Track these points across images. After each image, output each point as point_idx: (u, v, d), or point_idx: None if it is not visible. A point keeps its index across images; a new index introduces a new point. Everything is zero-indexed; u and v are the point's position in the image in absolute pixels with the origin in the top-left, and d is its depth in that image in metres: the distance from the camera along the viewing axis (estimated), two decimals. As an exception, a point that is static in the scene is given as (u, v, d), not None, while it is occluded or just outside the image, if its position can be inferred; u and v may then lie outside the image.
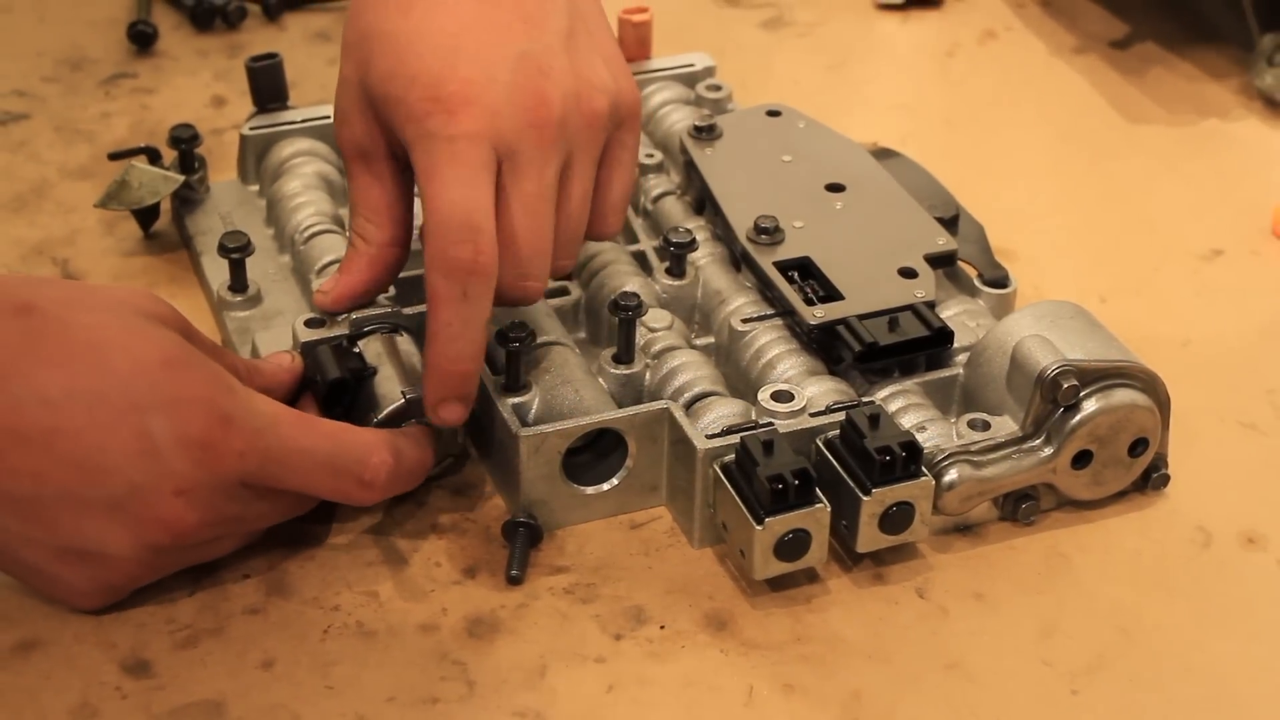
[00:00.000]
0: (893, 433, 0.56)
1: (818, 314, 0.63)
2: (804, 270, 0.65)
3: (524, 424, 0.59)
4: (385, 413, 0.59)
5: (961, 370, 0.62)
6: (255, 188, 0.74)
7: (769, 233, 0.66)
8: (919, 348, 0.62)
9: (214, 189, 0.74)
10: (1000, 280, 0.68)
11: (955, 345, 0.63)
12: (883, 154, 0.74)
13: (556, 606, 0.57)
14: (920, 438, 0.58)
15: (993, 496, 0.60)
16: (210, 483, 0.52)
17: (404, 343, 0.62)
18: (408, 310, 0.63)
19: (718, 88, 0.78)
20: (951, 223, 0.70)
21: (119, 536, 0.52)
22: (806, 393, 0.60)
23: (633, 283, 0.65)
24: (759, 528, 0.55)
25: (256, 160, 0.74)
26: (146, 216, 0.73)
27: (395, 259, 0.61)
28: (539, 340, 0.62)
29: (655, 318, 0.64)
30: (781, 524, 0.55)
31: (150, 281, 0.72)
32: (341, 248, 0.67)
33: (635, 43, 0.79)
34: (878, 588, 0.58)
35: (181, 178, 0.72)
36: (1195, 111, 0.86)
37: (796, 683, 0.54)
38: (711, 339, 0.66)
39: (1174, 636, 0.57)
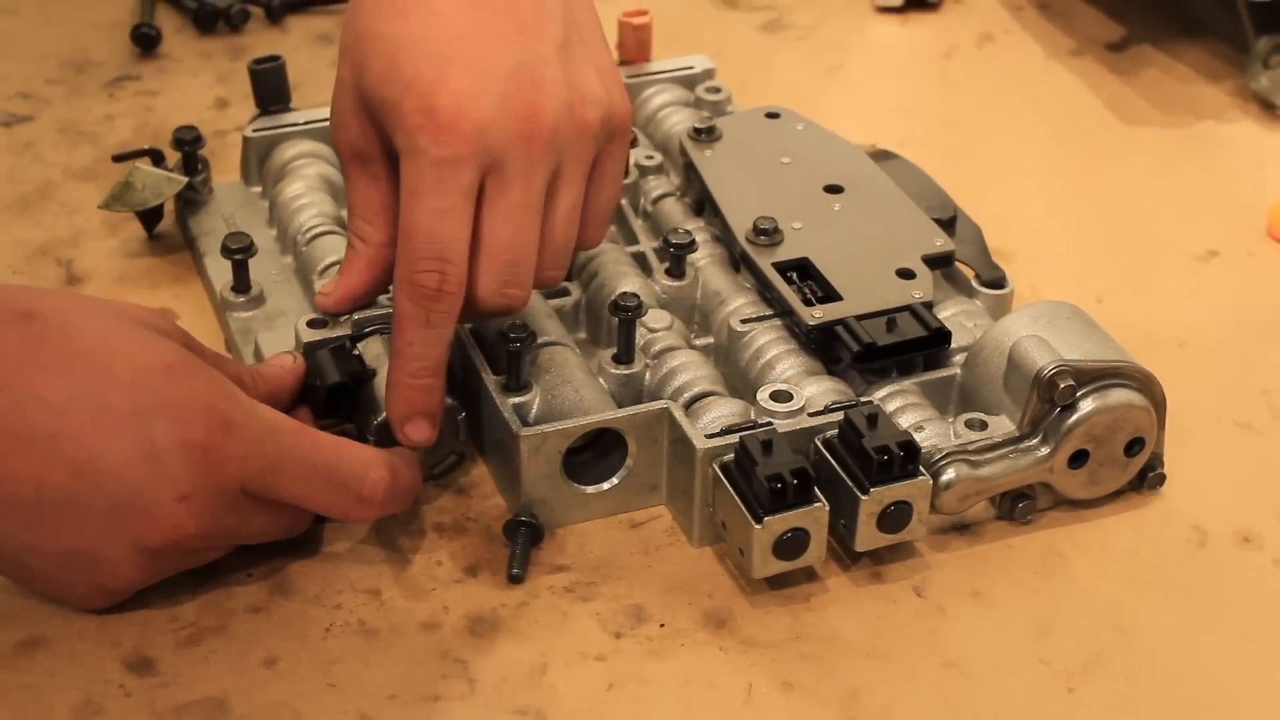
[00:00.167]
0: (891, 432, 0.57)
1: (816, 314, 0.63)
2: (803, 271, 0.66)
3: (525, 424, 0.59)
4: (384, 415, 0.59)
5: (959, 370, 0.62)
6: (258, 189, 0.75)
7: (768, 234, 0.67)
8: (917, 348, 0.62)
9: (217, 190, 0.75)
10: (997, 281, 0.68)
11: (953, 345, 0.63)
12: (881, 155, 0.75)
13: (557, 605, 0.57)
14: (918, 437, 0.58)
15: (990, 496, 0.60)
16: (211, 488, 0.53)
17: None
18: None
19: (717, 90, 0.79)
20: (949, 224, 0.70)
21: (119, 541, 0.53)
22: (805, 393, 0.60)
23: (633, 283, 0.66)
24: (758, 527, 0.55)
25: (259, 162, 0.74)
26: (150, 218, 0.74)
27: (394, 259, 0.61)
28: (539, 340, 0.62)
29: (655, 318, 0.64)
30: (780, 523, 0.55)
31: (153, 282, 0.72)
32: (343, 249, 0.67)
33: (635, 45, 0.80)
34: (876, 586, 0.58)
35: (185, 179, 0.72)
36: (1191, 113, 0.86)
37: (795, 680, 0.55)
38: (711, 339, 0.66)
39: (1170, 635, 0.57)
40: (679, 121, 0.77)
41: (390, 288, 0.63)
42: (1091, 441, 0.59)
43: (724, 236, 0.69)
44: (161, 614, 0.56)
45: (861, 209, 0.69)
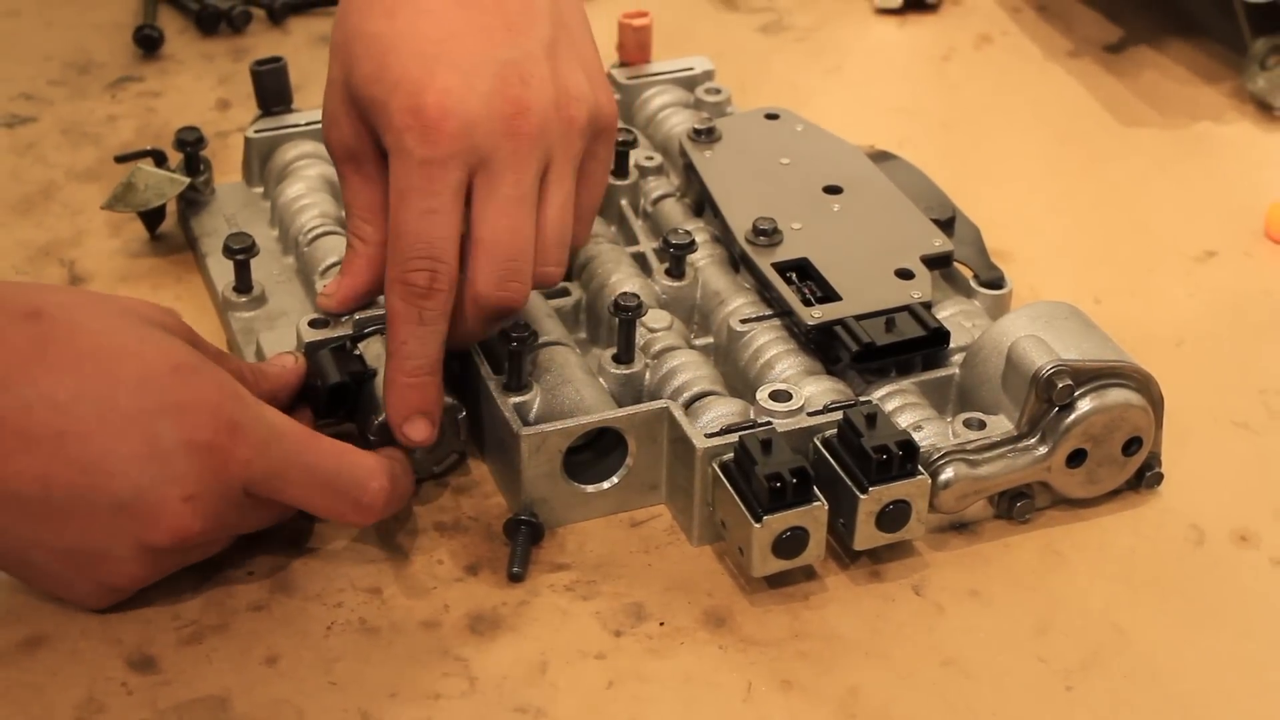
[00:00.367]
0: (889, 432, 0.57)
1: (815, 314, 0.63)
2: (802, 271, 0.66)
3: (525, 423, 0.59)
4: (385, 415, 0.59)
5: (957, 370, 0.63)
6: (260, 190, 0.75)
7: (767, 234, 0.67)
8: (915, 348, 0.62)
9: (219, 191, 0.75)
10: (996, 281, 0.68)
11: (951, 345, 0.63)
12: (880, 156, 0.75)
13: (557, 603, 0.57)
14: (917, 437, 0.59)
15: (988, 495, 0.60)
16: (216, 489, 0.53)
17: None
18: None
19: (717, 91, 0.79)
20: (948, 224, 0.70)
21: (124, 539, 0.53)
22: (804, 392, 0.61)
23: (633, 284, 0.66)
24: (757, 525, 0.55)
25: (261, 163, 0.75)
26: (152, 218, 0.74)
27: None
28: (540, 340, 0.62)
29: (655, 318, 0.65)
30: (780, 522, 0.55)
31: (155, 283, 0.72)
32: (344, 249, 0.67)
33: (635, 47, 0.80)
34: (875, 585, 0.59)
35: (187, 180, 0.73)
36: (1188, 114, 0.87)
37: (794, 679, 0.55)
38: (710, 339, 0.66)
39: (1167, 633, 0.57)
40: (679, 122, 0.77)
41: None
42: (1089, 441, 0.60)
43: (723, 237, 0.69)
44: (163, 612, 0.56)
45: (860, 210, 0.69)
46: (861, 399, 0.61)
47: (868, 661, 0.56)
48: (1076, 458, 0.60)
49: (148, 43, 0.88)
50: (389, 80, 0.56)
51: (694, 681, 0.55)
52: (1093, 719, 0.54)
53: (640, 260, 0.69)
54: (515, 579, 0.58)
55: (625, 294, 0.62)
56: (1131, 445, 0.61)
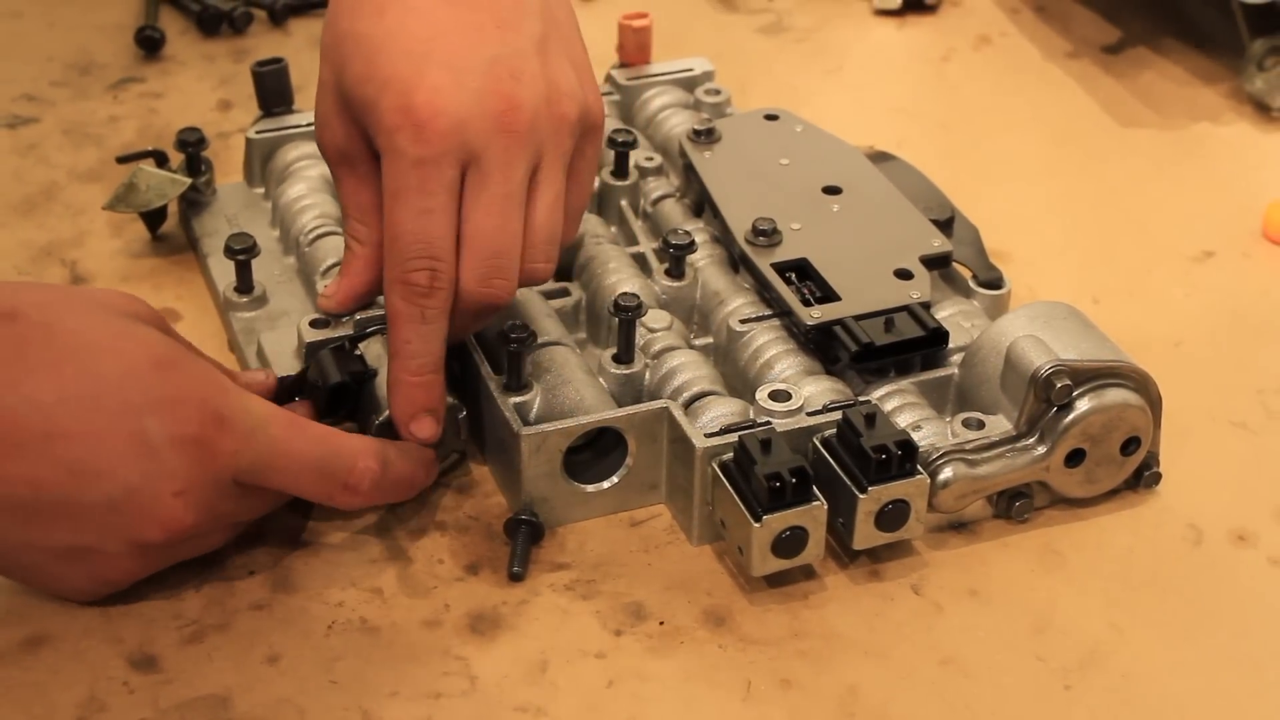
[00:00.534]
0: (889, 431, 0.57)
1: (815, 314, 0.63)
2: (801, 271, 0.66)
3: (525, 423, 0.59)
4: (385, 414, 0.59)
5: (956, 370, 0.63)
6: (261, 190, 0.75)
7: (767, 235, 0.67)
8: (914, 348, 0.63)
9: (220, 191, 0.75)
10: (994, 281, 0.68)
11: (950, 345, 0.63)
12: (879, 157, 0.75)
13: (557, 603, 0.57)
14: (916, 436, 0.59)
15: (987, 494, 0.60)
16: (206, 481, 0.53)
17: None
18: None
19: (717, 92, 0.79)
20: (947, 225, 0.70)
21: (116, 537, 0.53)
22: (804, 392, 0.61)
23: (632, 284, 0.66)
24: (757, 525, 0.55)
25: (262, 163, 0.75)
26: (154, 219, 0.74)
27: None
28: (540, 341, 0.63)
29: (655, 318, 0.65)
30: (779, 521, 0.56)
31: (157, 283, 0.72)
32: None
33: (635, 48, 0.80)
34: (874, 584, 0.59)
35: (188, 180, 0.73)
36: (1186, 115, 0.87)
37: (794, 678, 0.55)
38: (710, 339, 0.66)
39: (1165, 632, 0.57)
40: (679, 123, 0.77)
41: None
42: (1088, 440, 0.60)
43: (723, 237, 0.69)
44: (165, 611, 0.56)
45: (860, 210, 0.69)
46: (861, 399, 0.61)
47: (867, 660, 0.56)
48: (1075, 457, 0.60)
49: (149, 44, 0.88)
50: (378, 80, 0.56)
51: (694, 680, 0.55)
52: (1091, 718, 0.54)
53: (640, 260, 0.69)
54: (515, 578, 0.58)
55: (625, 294, 0.62)
56: (1130, 445, 0.61)
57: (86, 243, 0.75)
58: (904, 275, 0.65)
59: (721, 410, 0.60)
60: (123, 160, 0.75)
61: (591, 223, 0.71)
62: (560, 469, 0.59)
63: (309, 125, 0.74)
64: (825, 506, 0.56)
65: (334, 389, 0.61)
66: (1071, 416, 0.59)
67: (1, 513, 0.52)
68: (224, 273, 0.69)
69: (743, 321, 0.65)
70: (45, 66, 0.87)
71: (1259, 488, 0.64)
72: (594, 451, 0.61)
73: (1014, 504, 0.61)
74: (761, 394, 0.60)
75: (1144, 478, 0.62)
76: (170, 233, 0.75)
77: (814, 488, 0.56)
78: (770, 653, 0.56)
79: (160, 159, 0.74)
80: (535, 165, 0.58)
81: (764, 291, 0.66)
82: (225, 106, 0.85)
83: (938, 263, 0.67)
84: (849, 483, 0.57)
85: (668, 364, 0.62)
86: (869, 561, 0.59)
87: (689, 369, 0.62)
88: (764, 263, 0.66)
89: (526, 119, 0.57)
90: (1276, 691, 0.56)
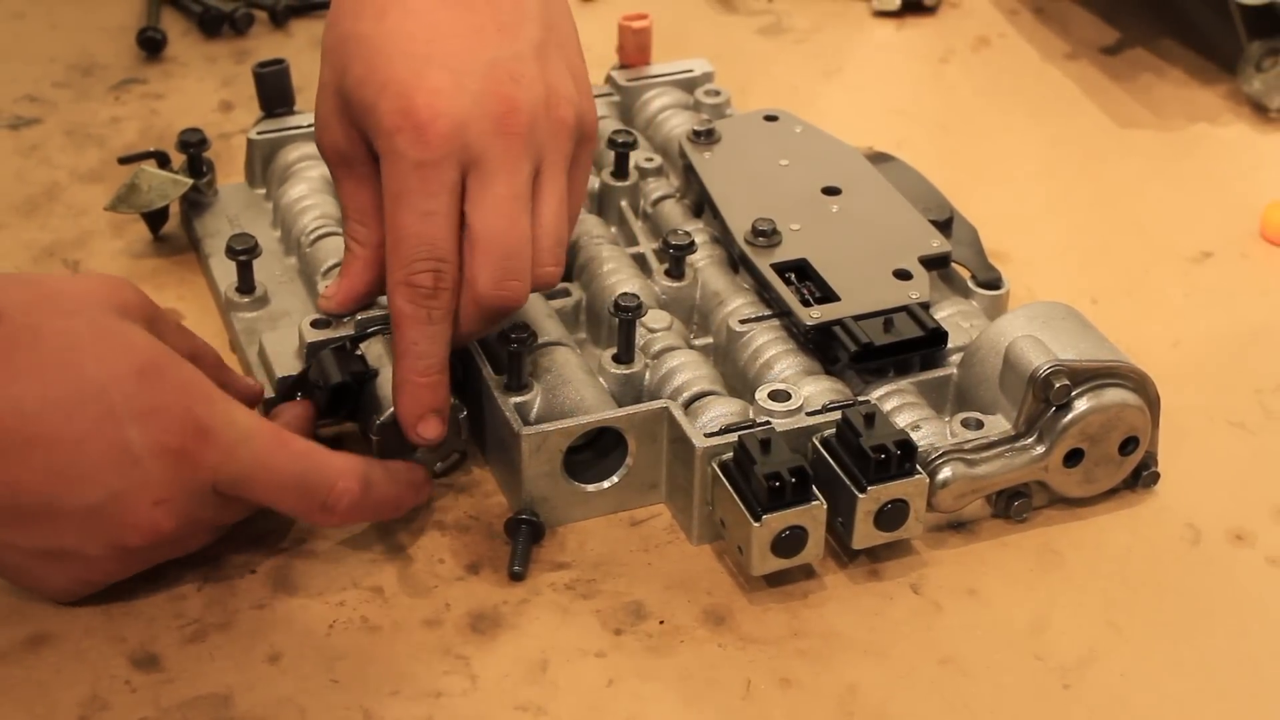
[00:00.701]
0: (888, 431, 0.57)
1: (814, 315, 0.63)
2: (801, 272, 0.66)
3: (526, 423, 0.59)
4: (386, 414, 0.60)
5: (955, 370, 0.63)
6: (262, 191, 0.75)
7: (766, 235, 0.67)
8: (914, 348, 0.63)
9: (222, 192, 0.75)
10: (993, 282, 0.69)
11: (949, 346, 0.64)
12: (878, 158, 0.75)
13: (558, 602, 0.58)
14: (915, 436, 0.59)
15: (986, 494, 0.61)
16: (186, 491, 0.53)
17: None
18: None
19: (716, 93, 0.79)
20: (945, 225, 0.70)
21: (96, 540, 0.53)
22: (803, 392, 0.61)
23: (632, 284, 0.66)
24: (756, 524, 0.56)
25: (263, 164, 0.75)
26: (156, 219, 0.74)
27: None
28: (540, 341, 0.63)
29: (654, 318, 0.65)
30: (779, 521, 0.56)
31: (159, 283, 0.72)
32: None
33: (635, 49, 0.80)
34: (873, 583, 0.59)
35: (190, 181, 0.73)
36: (1185, 116, 0.87)
37: (793, 676, 0.55)
38: (710, 339, 0.67)
39: (1163, 631, 0.57)
40: (679, 124, 0.77)
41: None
42: (1086, 440, 0.60)
43: (723, 238, 0.69)
44: (166, 610, 0.56)
45: (859, 211, 0.70)
46: (860, 399, 0.61)
47: (866, 659, 0.56)
48: (1073, 457, 0.60)
49: (151, 45, 0.88)
50: (378, 81, 0.56)
51: (693, 679, 0.55)
52: (1089, 717, 0.55)
53: (640, 261, 0.69)
54: (516, 578, 0.58)
55: (625, 294, 0.62)
56: (1128, 445, 0.61)
57: (88, 243, 0.75)
58: (903, 275, 0.65)
59: (721, 410, 0.60)
60: (125, 161, 0.75)
61: (591, 223, 0.71)
62: (560, 469, 0.59)
63: (310, 126, 0.74)
64: (824, 506, 0.56)
65: (335, 389, 0.61)
66: (1070, 416, 0.59)
67: None
68: (225, 273, 0.69)
69: (742, 322, 0.65)
70: (47, 67, 0.87)
71: (1257, 487, 0.64)
72: (594, 451, 0.61)
73: (1013, 503, 0.61)
74: (761, 394, 0.60)
75: (1142, 477, 0.63)
76: (172, 233, 0.75)
77: (813, 487, 0.56)
78: (770, 652, 0.56)
79: (162, 160, 0.74)
80: (537, 169, 0.58)
81: (763, 292, 0.66)
82: (227, 107, 0.85)
83: (937, 263, 0.67)
84: (848, 482, 0.57)
85: (668, 364, 0.63)
86: (868, 561, 0.60)
87: (689, 369, 0.62)
88: (763, 263, 0.66)
89: (525, 121, 0.57)
90: (1274, 690, 0.56)
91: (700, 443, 0.58)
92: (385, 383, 0.60)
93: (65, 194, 0.78)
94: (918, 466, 0.57)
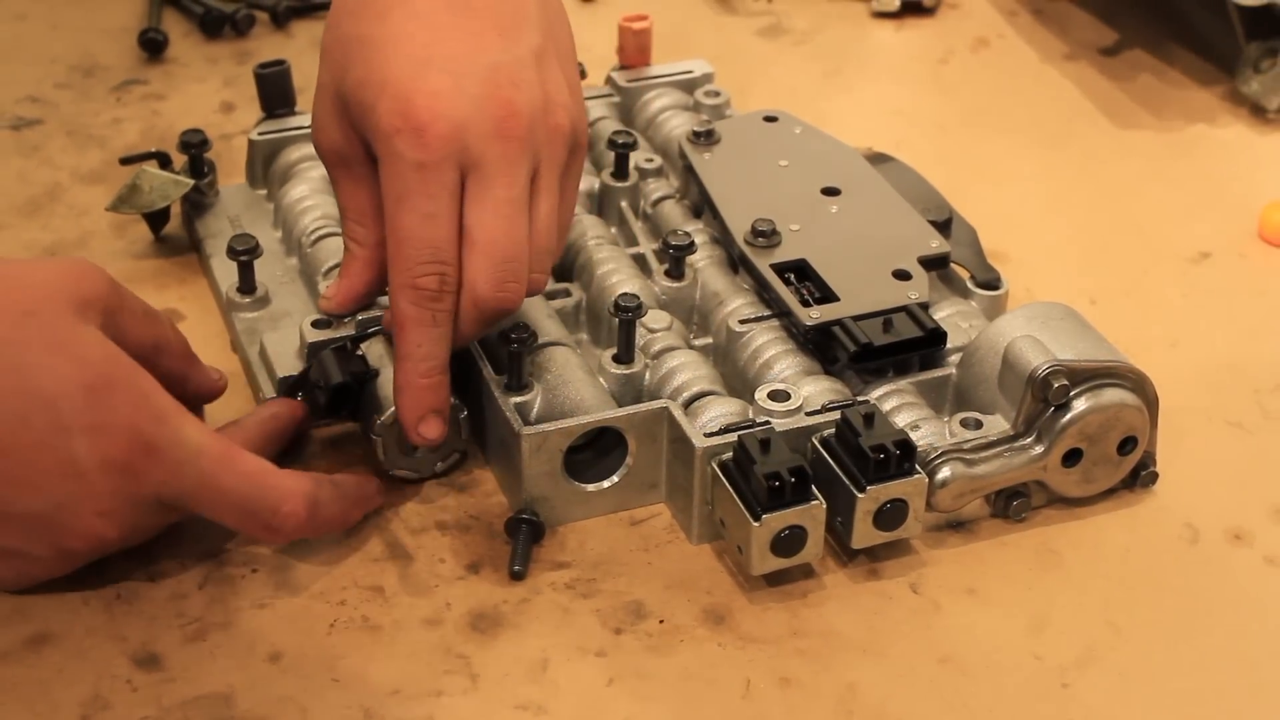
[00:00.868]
0: (887, 431, 0.57)
1: (814, 315, 0.64)
2: (800, 272, 0.66)
3: (526, 423, 0.60)
4: (388, 414, 0.60)
5: (954, 370, 0.63)
6: (263, 191, 0.75)
7: (766, 235, 0.67)
8: (913, 348, 0.63)
9: (223, 193, 0.75)
10: (992, 282, 0.69)
11: (948, 346, 0.64)
12: (877, 158, 0.75)
13: (558, 601, 0.58)
14: (914, 436, 0.59)
15: (985, 494, 0.61)
16: (130, 502, 0.53)
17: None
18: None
19: (716, 94, 0.79)
20: (944, 226, 0.71)
21: (41, 543, 0.54)
22: (803, 392, 0.61)
23: (632, 284, 0.66)
24: (756, 524, 0.56)
25: (264, 165, 0.75)
26: (157, 220, 0.74)
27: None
28: (540, 341, 0.63)
29: (654, 318, 0.65)
30: (778, 520, 0.56)
31: (160, 284, 0.72)
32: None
33: (635, 50, 0.80)
34: (872, 583, 0.59)
35: (191, 182, 0.73)
36: (1183, 117, 0.87)
37: (793, 676, 0.55)
38: (710, 339, 0.67)
39: (1162, 631, 0.58)
40: (678, 125, 0.77)
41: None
42: (1085, 440, 0.60)
43: (723, 238, 0.70)
44: (168, 609, 0.56)
45: (858, 211, 0.70)
46: (859, 399, 0.61)
47: (865, 659, 0.56)
48: (1072, 457, 0.60)
49: (152, 46, 0.88)
50: (377, 83, 0.56)
51: (693, 679, 0.55)
52: (1088, 716, 0.55)
53: (640, 261, 0.69)
54: (516, 577, 0.58)
55: (625, 294, 0.62)
56: (1126, 445, 0.61)
57: (90, 244, 0.75)
58: (902, 276, 0.66)
59: (721, 410, 0.60)
60: (126, 162, 0.75)
61: (591, 223, 0.71)
62: (560, 468, 0.60)
63: (310, 126, 0.75)
64: (824, 506, 0.56)
65: (336, 389, 0.61)
66: (1069, 416, 0.60)
67: None
68: (227, 273, 0.69)
69: (742, 322, 0.65)
70: (49, 68, 0.87)
71: (1255, 487, 0.64)
72: (594, 451, 0.61)
73: (1011, 503, 0.61)
74: (761, 394, 0.60)
75: (1141, 477, 0.63)
76: (173, 234, 0.75)
77: (813, 487, 0.56)
78: (769, 651, 0.56)
79: (163, 160, 0.74)
80: (533, 175, 0.58)
81: (763, 292, 0.66)
82: (228, 108, 0.85)
83: (936, 263, 0.68)
84: (848, 482, 0.57)
85: (667, 364, 0.63)
86: (867, 560, 0.60)
87: (689, 369, 0.62)
88: (763, 263, 0.66)
89: (524, 125, 0.57)
90: (1272, 689, 0.56)
91: (700, 442, 0.58)
92: (386, 382, 0.60)
93: (67, 195, 0.78)
94: (917, 466, 0.58)
